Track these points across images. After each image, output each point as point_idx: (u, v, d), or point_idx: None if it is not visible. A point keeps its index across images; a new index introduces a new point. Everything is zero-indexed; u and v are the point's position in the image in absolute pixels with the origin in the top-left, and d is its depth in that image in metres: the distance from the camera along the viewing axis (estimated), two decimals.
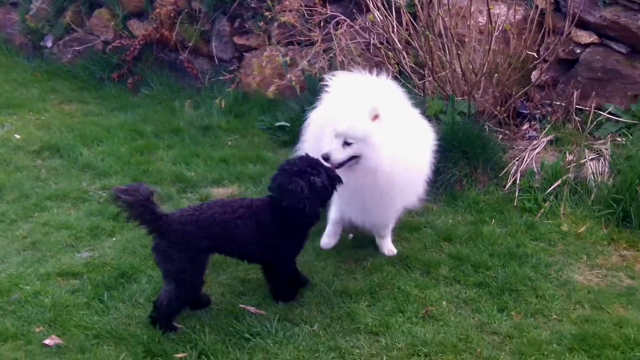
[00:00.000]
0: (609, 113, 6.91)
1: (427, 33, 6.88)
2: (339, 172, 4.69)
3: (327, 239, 5.51)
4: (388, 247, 5.43)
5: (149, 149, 7.49)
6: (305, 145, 5.35)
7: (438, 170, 6.19)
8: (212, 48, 9.42)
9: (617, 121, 6.84)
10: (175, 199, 6.34)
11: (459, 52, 6.88)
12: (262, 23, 8.68)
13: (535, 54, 7.08)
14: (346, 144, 4.75)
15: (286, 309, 4.62)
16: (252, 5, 8.83)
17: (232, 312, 4.58)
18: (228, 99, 8.42)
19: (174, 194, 6.44)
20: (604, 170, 6.29)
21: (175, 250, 4.27)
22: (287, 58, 8.03)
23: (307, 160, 4.58)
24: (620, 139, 6.66)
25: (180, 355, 4.15)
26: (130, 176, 6.74)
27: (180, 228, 4.29)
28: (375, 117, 4.75)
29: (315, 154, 4.76)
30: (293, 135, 7.08)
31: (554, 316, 4.67)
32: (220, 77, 8.92)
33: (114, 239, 5.59)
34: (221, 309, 4.62)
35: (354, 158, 4.79)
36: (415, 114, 5.37)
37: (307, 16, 8.04)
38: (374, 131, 4.75)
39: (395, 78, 6.80)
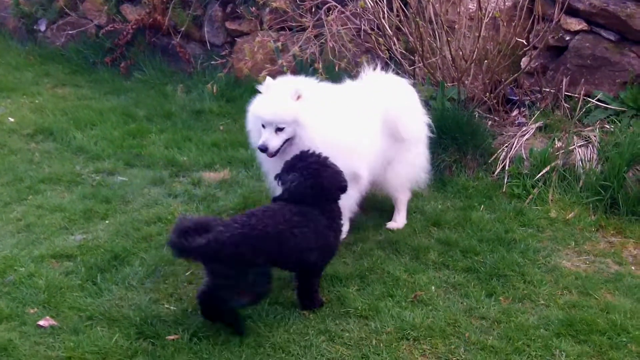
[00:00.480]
0: (598, 100, 6.98)
1: (418, 19, 6.92)
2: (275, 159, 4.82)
3: None
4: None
5: (141, 133, 7.53)
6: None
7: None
8: (204, 33, 9.45)
9: (606, 108, 6.91)
10: (167, 182, 6.39)
11: (448, 38, 6.91)
12: (253, 8, 8.71)
13: (524, 41, 7.13)
14: (278, 129, 4.83)
15: (277, 293, 4.64)
16: None
17: None
18: (220, 84, 8.43)
19: (166, 177, 6.48)
20: (592, 157, 6.34)
21: (233, 271, 4.10)
22: (279, 43, 8.05)
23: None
24: (608, 126, 6.72)
25: (172, 337, 4.18)
26: (123, 160, 6.80)
27: (233, 251, 4.05)
28: (299, 97, 4.85)
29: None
30: None
31: (542, 301, 4.71)
32: (212, 62, 8.93)
33: (107, 221, 5.61)
34: None
35: (286, 142, 4.88)
36: (352, 98, 5.35)
37: (298, 2, 8.05)
38: (300, 109, 4.85)
39: (386, 64, 6.86)
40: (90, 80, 9.44)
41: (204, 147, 7.22)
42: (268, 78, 5.11)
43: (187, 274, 4.86)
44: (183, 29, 9.40)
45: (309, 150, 4.51)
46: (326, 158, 4.46)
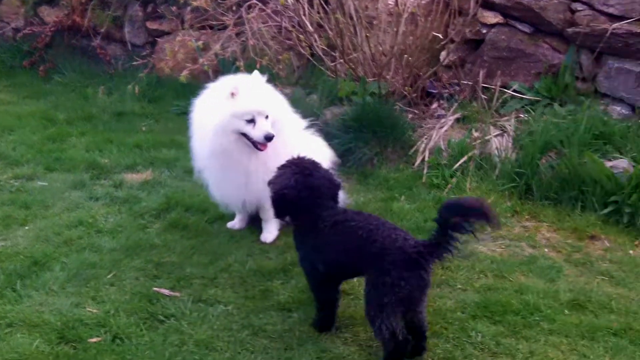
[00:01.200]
0: (514, 91, 7.16)
1: (338, 16, 6.99)
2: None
3: (233, 223, 5.65)
4: (266, 231, 5.48)
5: (61, 137, 7.45)
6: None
7: (350, 150, 6.34)
8: (125, 33, 9.44)
9: (522, 98, 7.10)
10: (89, 185, 6.33)
11: (367, 34, 7.00)
12: (174, 8, 8.70)
13: (442, 35, 7.26)
14: (266, 117, 4.96)
15: (200, 290, 4.67)
16: None
17: (146, 295, 4.58)
18: (142, 85, 8.42)
19: (87, 180, 6.42)
20: (508, 146, 6.47)
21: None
22: (200, 42, 8.05)
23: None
24: (523, 116, 6.89)
25: (94, 339, 4.14)
26: (43, 164, 6.71)
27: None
28: (266, 87, 5.13)
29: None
30: None
31: (459, 286, 4.81)
32: (134, 63, 8.87)
33: (26, 227, 5.52)
34: (135, 292, 4.61)
35: None
36: None
37: (219, 0, 8.07)
38: (275, 95, 5.20)
39: (307, 61, 6.93)
40: (8, 84, 9.32)
41: (125, 148, 7.18)
42: (223, 80, 5.15)
43: (109, 276, 4.82)
44: (103, 29, 9.37)
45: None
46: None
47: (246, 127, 4.93)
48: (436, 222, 3.68)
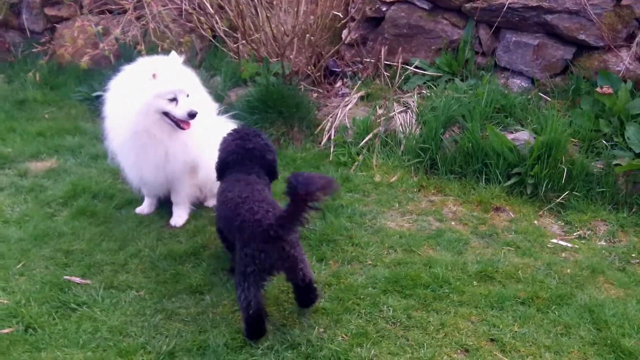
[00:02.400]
0: (415, 67, 7.27)
1: None
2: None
3: (141, 208, 5.63)
4: (176, 215, 5.50)
5: None
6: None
7: None
8: (23, 20, 9.22)
9: (423, 74, 7.21)
10: None
11: (268, 15, 7.01)
12: None
13: (343, 14, 7.32)
14: (187, 96, 4.99)
15: (111, 277, 4.64)
16: None
17: (57, 284, 4.53)
18: (42, 72, 8.28)
19: None
20: (412, 122, 6.57)
21: None
22: (100, 27, 7.93)
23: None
24: (425, 92, 7.00)
25: (6, 330, 4.09)
26: None
27: None
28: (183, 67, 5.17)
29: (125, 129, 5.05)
30: None
31: (369, 262, 4.88)
32: (33, 50, 8.74)
33: None
34: (46, 281, 4.55)
35: None
36: None
37: None
38: (191, 75, 5.23)
39: (209, 43, 6.90)
40: None
41: (29, 137, 7.05)
42: (142, 60, 5.12)
43: (18, 266, 4.74)
44: (0, 17, 9.11)
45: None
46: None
47: (168, 105, 4.93)
48: (288, 195, 3.75)
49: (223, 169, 4.50)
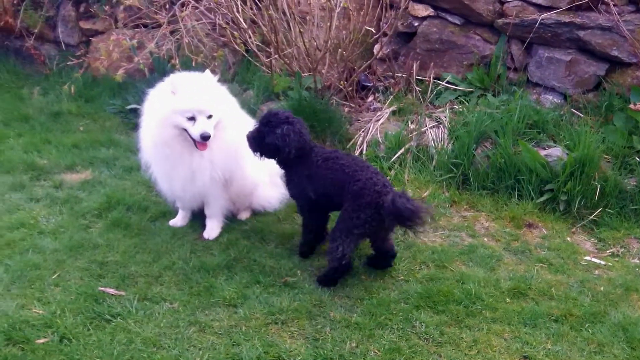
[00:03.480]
0: (447, 82, 7.27)
1: (270, 12, 7.02)
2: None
3: (175, 220, 5.66)
4: (209, 228, 5.53)
5: None
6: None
7: None
8: (59, 33, 9.33)
9: (455, 89, 7.21)
10: (28, 187, 6.24)
11: (301, 30, 7.04)
12: (107, 7, 8.65)
13: (375, 29, 7.34)
14: (209, 117, 4.99)
15: (145, 289, 4.67)
16: None
17: (91, 295, 4.56)
18: (77, 84, 8.35)
19: (27, 182, 6.33)
20: (444, 137, 6.58)
21: None
22: (134, 41, 8.00)
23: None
24: (457, 107, 7.00)
25: (41, 340, 4.12)
26: None
27: None
28: (212, 86, 5.16)
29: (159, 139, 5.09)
30: None
31: (401, 277, 4.90)
32: (68, 63, 8.78)
33: None
34: (80, 292, 4.58)
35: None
36: None
37: None
38: (221, 95, 5.23)
39: (242, 57, 6.94)
40: None
41: (64, 148, 7.11)
42: (172, 76, 5.13)
43: (53, 277, 4.78)
44: (36, 30, 9.23)
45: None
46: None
47: (186, 123, 4.96)
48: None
49: (301, 149, 4.86)
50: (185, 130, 5.00)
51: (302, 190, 4.94)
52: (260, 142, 4.89)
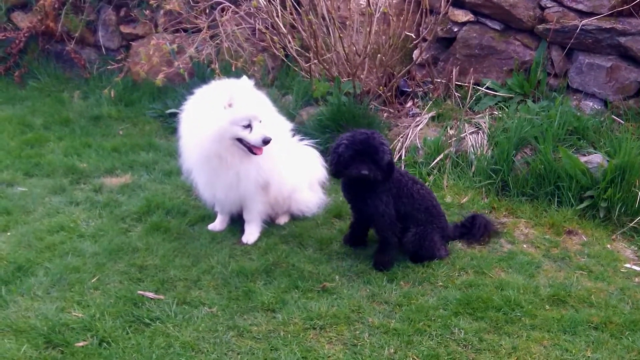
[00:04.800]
0: (487, 88, 7.24)
1: (310, 17, 7.03)
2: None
3: (214, 224, 5.68)
4: (248, 232, 5.54)
5: (39, 142, 7.43)
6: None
7: (328, 150, 6.37)
8: (99, 38, 9.42)
9: (495, 95, 7.17)
10: (68, 190, 6.31)
11: (341, 35, 7.05)
12: (147, 11, 8.72)
13: (414, 34, 7.33)
14: (260, 122, 5.04)
15: (184, 293, 4.69)
16: None
17: (130, 298, 4.59)
18: (117, 88, 8.43)
19: (67, 185, 6.40)
20: (483, 143, 6.55)
21: None
22: (174, 45, 8.05)
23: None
24: (497, 113, 6.96)
25: (80, 343, 4.15)
26: (22, 170, 6.68)
27: None
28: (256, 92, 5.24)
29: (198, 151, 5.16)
30: None
31: (440, 283, 4.88)
32: (109, 67, 8.88)
33: (8, 233, 5.50)
34: (120, 296, 4.61)
35: None
36: None
37: (192, 3, 8.10)
38: (263, 100, 5.31)
39: (281, 62, 6.96)
40: None
41: (104, 152, 7.18)
42: (217, 84, 5.19)
43: (93, 280, 4.82)
44: (77, 34, 9.33)
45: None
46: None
47: (243, 132, 5.00)
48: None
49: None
50: (239, 140, 5.05)
51: (391, 209, 5.06)
52: (377, 163, 4.85)
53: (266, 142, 4.98)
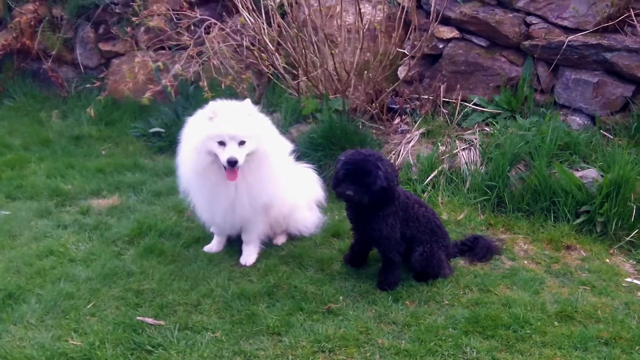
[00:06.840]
0: (474, 104, 7.25)
1: (299, 34, 6.99)
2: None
3: (210, 246, 5.60)
4: (246, 254, 5.47)
5: (20, 163, 7.31)
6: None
7: (321, 167, 6.33)
8: (77, 55, 9.32)
9: (482, 111, 7.17)
10: (54, 213, 6.19)
11: (332, 51, 7.01)
12: (128, 28, 8.59)
13: (402, 51, 7.32)
14: (241, 143, 4.89)
15: (185, 317, 4.57)
16: (117, 10, 8.78)
17: (129, 325, 4.46)
18: (98, 107, 8.31)
19: (53, 208, 6.28)
20: (476, 159, 6.55)
21: None
22: (160, 63, 7.95)
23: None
24: (487, 129, 6.97)
25: None
26: (4, 192, 6.55)
27: None
28: (250, 114, 5.02)
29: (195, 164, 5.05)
30: (169, 140, 7.09)
31: (446, 302, 4.83)
32: (88, 85, 8.77)
33: None
34: (118, 322, 4.49)
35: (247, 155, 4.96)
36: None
37: (176, 20, 8.02)
38: (259, 123, 5.08)
39: (268, 79, 6.90)
40: None
41: (88, 173, 7.07)
42: (211, 102, 5.07)
43: (88, 306, 4.69)
44: (54, 52, 9.24)
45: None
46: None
47: (218, 149, 4.90)
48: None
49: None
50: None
51: (396, 232, 5.01)
52: (367, 186, 4.76)
53: (230, 163, 4.85)
